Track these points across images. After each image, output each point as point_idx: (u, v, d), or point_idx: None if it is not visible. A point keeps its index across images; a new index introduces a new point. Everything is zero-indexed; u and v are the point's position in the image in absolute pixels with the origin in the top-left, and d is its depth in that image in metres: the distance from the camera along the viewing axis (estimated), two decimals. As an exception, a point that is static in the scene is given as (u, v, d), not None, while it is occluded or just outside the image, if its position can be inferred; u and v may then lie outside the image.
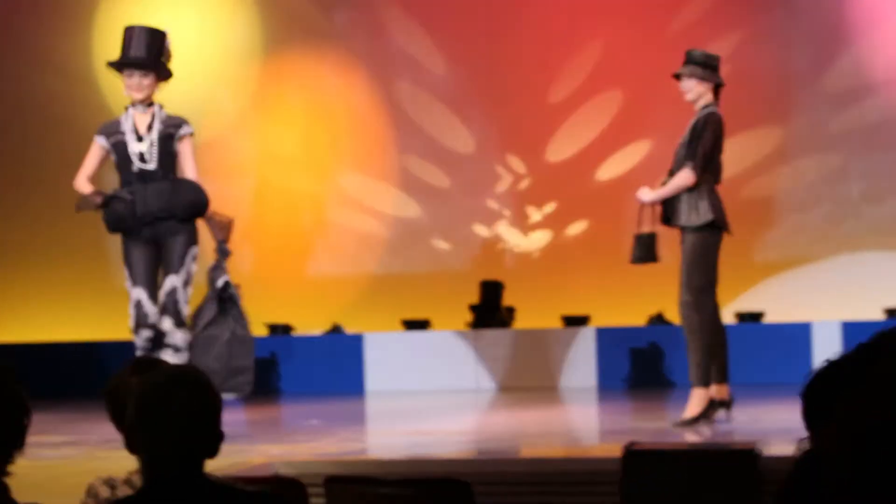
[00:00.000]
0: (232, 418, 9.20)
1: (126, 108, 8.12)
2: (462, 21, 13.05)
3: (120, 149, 7.99)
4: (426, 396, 11.27)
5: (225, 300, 8.15)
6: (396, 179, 13.14)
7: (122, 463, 6.52)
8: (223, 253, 8.23)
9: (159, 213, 7.91)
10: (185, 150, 8.08)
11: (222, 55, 13.34)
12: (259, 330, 12.57)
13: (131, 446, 3.06)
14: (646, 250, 8.43)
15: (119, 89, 8.37)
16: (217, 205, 13.10)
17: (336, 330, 12.67)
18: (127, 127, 8.02)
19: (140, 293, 7.90)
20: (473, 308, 12.48)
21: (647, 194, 8.40)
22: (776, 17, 12.65)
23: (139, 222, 7.91)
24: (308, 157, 13.31)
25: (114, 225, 8.00)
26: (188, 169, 8.07)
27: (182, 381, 3.03)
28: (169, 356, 7.70)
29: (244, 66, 13.34)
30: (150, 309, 7.88)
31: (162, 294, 7.93)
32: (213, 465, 3.04)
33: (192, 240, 8.07)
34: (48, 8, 13.26)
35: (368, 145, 13.21)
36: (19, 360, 2.77)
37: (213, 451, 3.01)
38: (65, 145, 12.92)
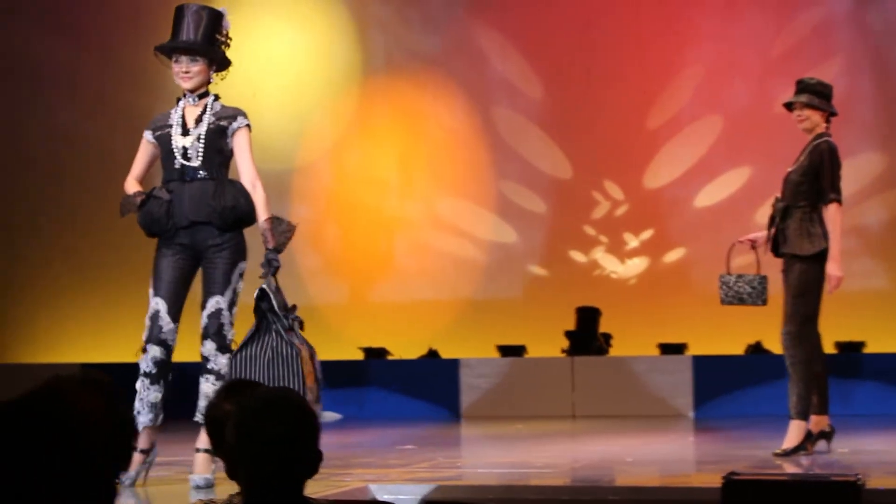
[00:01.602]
0: (328, 441, 9.23)
1: (177, 100, 7.16)
2: (560, 46, 13.05)
3: (163, 142, 7.06)
4: (521, 422, 11.24)
5: (264, 312, 6.84)
6: (493, 204, 13.15)
7: (221, 486, 6.58)
8: (270, 264, 6.87)
9: (196, 217, 6.96)
10: (240, 144, 7.02)
11: (322, 80, 13.46)
12: (355, 354, 12.63)
13: (231, 472, 3.06)
14: (749, 293, 8.32)
15: None
16: (314, 229, 13.26)
17: (432, 355, 12.69)
18: (174, 119, 7.07)
19: (159, 304, 6.93)
20: (569, 334, 12.44)
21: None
22: (876, 43, 12.51)
23: (174, 225, 6.98)
24: (405, 181, 13.36)
25: (147, 227, 7.07)
26: (244, 166, 7.03)
27: (279, 404, 3.02)
28: (210, 383, 6.87)
29: (343, 92, 13.44)
30: (167, 324, 6.94)
31: (204, 316, 6.96)
32: (309, 489, 3.05)
33: (239, 255, 7.02)
34: (148, 30, 13.41)
35: (466, 170, 13.24)
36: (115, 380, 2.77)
37: (312, 472, 3.02)
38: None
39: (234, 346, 6.95)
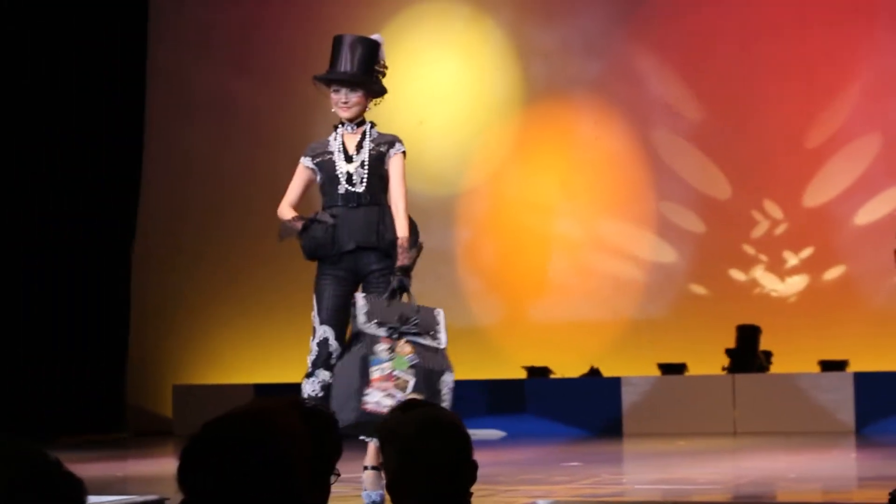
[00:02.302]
0: (494, 458, 9.45)
1: (335, 128, 7.26)
2: (719, 68, 13.11)
3: (327, 168, 7.17)
4: (682, 439, 11.31)
5: (353, 318, 6.78)
6: (653, 225, 13.25)
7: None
8: (401, 284, 6.91)
9: (362, 242, 7.05)
10: (394, 167, 7.13)
11: (485, 108, 13.67)
12: (517, 373, 12.83)
13: (395, 497, 3.08)
14: None
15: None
16: (477, 251, 13.49)
17: (594, 373, 12.82)
18: (335, 146, 7.19)
19: (327, 331, 7.02)
20: (730, 352, 12.49)
21: None
22: None
23: (339, 250, 7.07)
24: (567, 203, 13.51)
25: (310, 251, 7.13)
26: (396, 190, 7.13)
27: (428, 425, 3.08)
28: None
29: (506, 117, 13.65)
30: (335, 349, 6.98)
31: None
32: (478, 504, 3.14)
33: None
34: (317, 64, 13.74)
35: (626, 191, 13.36)
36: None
37: (471, 481, 3.08)
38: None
39: None
